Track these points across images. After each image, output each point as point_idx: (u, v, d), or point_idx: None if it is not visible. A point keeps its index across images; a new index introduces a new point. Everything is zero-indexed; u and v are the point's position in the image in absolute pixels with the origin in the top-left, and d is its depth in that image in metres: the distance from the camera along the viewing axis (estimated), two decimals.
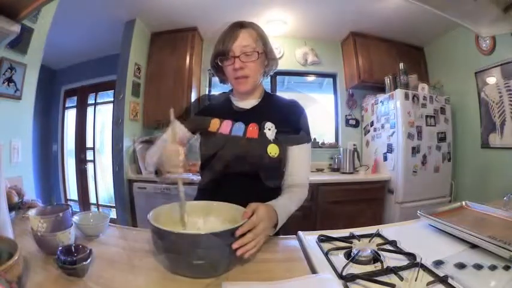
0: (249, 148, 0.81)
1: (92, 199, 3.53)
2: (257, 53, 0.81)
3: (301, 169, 0.88)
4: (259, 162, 0.81)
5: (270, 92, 0.97)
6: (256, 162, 0.81)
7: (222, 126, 0.85)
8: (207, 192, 0.87)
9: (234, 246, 0.55)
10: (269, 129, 0.84)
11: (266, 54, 0.86)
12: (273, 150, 0.81)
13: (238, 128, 0.84)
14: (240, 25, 0.84)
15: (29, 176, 1.50)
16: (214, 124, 0.87)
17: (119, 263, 0.61)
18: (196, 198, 0.90)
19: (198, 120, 0.91)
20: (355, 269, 0.59)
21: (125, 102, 2.49)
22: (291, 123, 0.87)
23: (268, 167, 0.82)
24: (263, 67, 0.86)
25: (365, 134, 2.96)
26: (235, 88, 0.87)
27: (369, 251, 0.63)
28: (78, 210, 3.46)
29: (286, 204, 0.76)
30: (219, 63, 0.85)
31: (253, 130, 0.84)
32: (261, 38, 0.84)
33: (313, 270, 0.60)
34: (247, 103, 0.90)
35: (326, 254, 0.65)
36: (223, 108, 0.91)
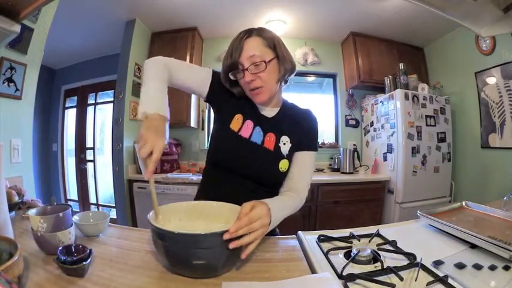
0: (263, 159, 0.82)
1: (92, 199, 3.54)
2: (264, 62, 0.76)
3: (303, 176, 0.86)
4: (269, 175, 0.83)
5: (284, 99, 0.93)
6: (266, 174, 0.83)
7: (243, 129, 0.84)
8: (209, 190, 0.88)
9: (225, 236, 0.52)
10: (284, 144, 0.84)
11: (278, 60, 0.80)
12: (284, 165, 0.83)
13: (258, 135, 0.84)
14: (247, 33, 0.79)
15: (29, 175, 1.50)
16: (236, 122, 0.85)
17: (118, 263, 0.61)
18: (197, 197, 0.90)
19: (224, 100, 0.87)
20: (354, 268, 0.59)
21: (125, 102, 2.49)
22: (303, 132, 0.88)
23: (277, 179, 0.85)
24: (277, 74, 0.80)
25: (365, 134, 2.96)
26: (253, 100, 0.83)
27: (369, 251, 0.63)
28: (78, 210, 3.46)
29: (281, 206, 0.73)
30: (232, 78, 0.81)
31: (270, 141, 0.84)
32: (270, 43, 0.79)
33: (313, 270, 0.60)
34: (269, 112, 0.88)
35: (326, 254, 0.65)
36: (248, 104, 0.86)
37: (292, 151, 0.85)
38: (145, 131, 0.62)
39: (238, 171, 0.83)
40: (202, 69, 0.87)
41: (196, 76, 0.85)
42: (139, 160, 0.65)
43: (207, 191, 0.88)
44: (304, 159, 0.87)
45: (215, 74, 0.86)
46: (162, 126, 0.65)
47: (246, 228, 0.55)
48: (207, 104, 0.93)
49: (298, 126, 0.87)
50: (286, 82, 0.88)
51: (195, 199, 0.88)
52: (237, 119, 0.85)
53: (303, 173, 0.86)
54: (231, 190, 0.82)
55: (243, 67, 0.77)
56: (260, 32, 0.80)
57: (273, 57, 0.78)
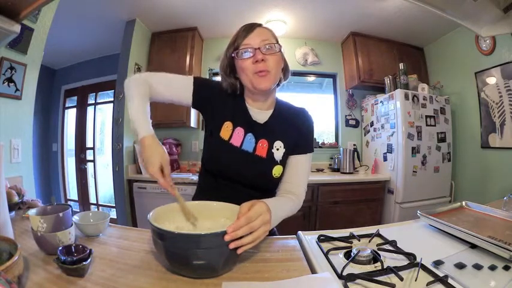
0: (256, 167, 0.81)
1: (92, 199, 3.54)
2: (279, 44, 0.77)
3: (300, 178, 0.85)
4: (262, 182, 0.82)
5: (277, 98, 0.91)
6: (259, 181, 0.82)
7: (234, 136, 0.82)
8: (206, 193, 0.87)
9: (226, 238, 0.51)
10: (277, 149, 0.83)
11: (281, 55, 0.80)
12: (277, 171, 0.82)
13: (249, 143, 0.82)
14: (255, 24, 0.79)
15: (29, 175, 1.50)
16: (226, 130, 0.82)
17: (119, 263, 0.61)
18: (195, 198, 0.90)
19: (210, 106, 0.85)
20: (354, 268, 0.59)
21: (125, 102, 2.48)
22: (300, 134, 0.86)
23: (270, 185, 0.85)
24: (280, 69, 0.80)
25: (365, 134, 2.96)
26: (255, 85, 0.76)
27: (369, 251, 0.63)
28: (78, 210, 3.47)
29: (280, 206, 0.73)
30: (236, 57, 0.77)
31: (262, 148, 0.82)
32: (277, 39, 0.79)
33: (313, 270, 0.60)
34: (261, 116, 0.84)
35: (326, 254, 0.65)
36: (238, 109, 0.84)
37: (286, 155, 0.84)
38: (144, 154, 0.70)
39: (232, 178, 0.82)
40: (183, 78, 0.85)
41: (176, 85, 0.84)
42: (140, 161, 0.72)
43: (205, 195, 0.86)
44: (301, 162, 0.86)
45: (197, 79, 0.85)
46: (156, 142, 0.73)
47: (246, 228, 0.55)
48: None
49: (294, 129, 0.85)
50: (278, 85, 0.86)
51: (194, 199, 0.88)
52: (227, 126, 0.82)
53: (300, 176, 0.85)
54: (229, 194, 0.80)
55: (255, 46, 0.75)
56: (267, 27, 0.81)
57: (279, 50, 0.78)
